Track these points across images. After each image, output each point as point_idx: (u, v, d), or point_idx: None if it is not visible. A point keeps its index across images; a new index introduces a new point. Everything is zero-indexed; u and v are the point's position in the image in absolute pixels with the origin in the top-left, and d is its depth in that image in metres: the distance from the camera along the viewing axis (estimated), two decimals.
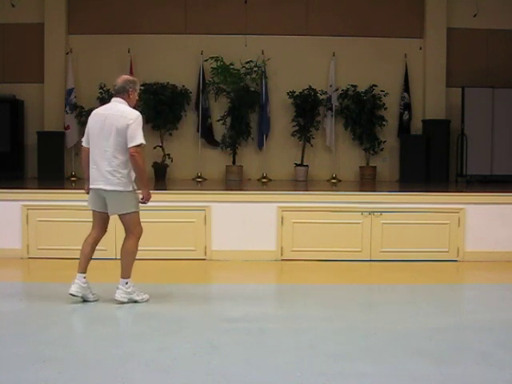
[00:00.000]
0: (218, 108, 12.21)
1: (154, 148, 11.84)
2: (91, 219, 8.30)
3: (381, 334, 4.92)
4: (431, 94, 12.14)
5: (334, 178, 12.02)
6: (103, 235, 5.83)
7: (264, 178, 11.93)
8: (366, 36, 12.15)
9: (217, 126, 12.19)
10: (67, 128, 11.70)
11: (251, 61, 11.83)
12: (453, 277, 7.79)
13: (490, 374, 4.00)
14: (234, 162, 12.06)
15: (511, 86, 11.50)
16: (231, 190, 9.69)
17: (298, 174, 11.94)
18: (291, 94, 11.92)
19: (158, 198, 8.34)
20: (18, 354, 4.27)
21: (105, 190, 5.56)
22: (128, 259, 5.64)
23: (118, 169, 5.50)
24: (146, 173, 5.59)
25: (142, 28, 12.07)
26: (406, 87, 12.19)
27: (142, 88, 11.69)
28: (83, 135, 5.79)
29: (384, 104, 11.99)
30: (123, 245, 5.68)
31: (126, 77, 5.77)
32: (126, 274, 5.64)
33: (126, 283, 5.64)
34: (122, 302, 5.61)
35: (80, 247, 5.60)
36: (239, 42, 11.86)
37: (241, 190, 9.76)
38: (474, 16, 11.51)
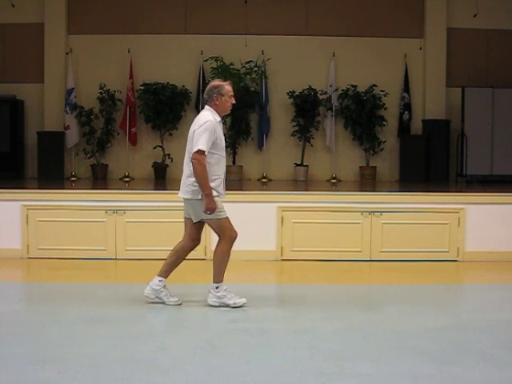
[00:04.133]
0: None
1: (154, 148, 11.86)
2: (91, 219, 8.35)
3: (381, 334, 4.92)
4: (431, 94, 12.13)
5: (333, 178, 12.01)
6: (193, 245, 5.80)
7: (264, 178, 11.92)
8: (365, 36, 12.15)
9: None
10: (67, 128, 11.67)
11: (251, 61, 11.81)
12: (453, 277, 7.79)
13: (490, 374, 4.00)
14: (233, 162, 12.05)
15: (511, 86, 11.50)
16: (231, 189, 9.65)
17: (298, 173, 11.94)
18: (291, 94, 11.92)
19: (158, 198, 8.40)
20: (18, 354, 4.27)
21: (183, 199, 5.62)
22: (216, 263, 5.65)
23: (189, 177, 5.50)
24: (207, 181, 5.39)
25: (142, 28, 12.07)
26: (406, 87, 12.18)
27: (142, 88, 11.76)
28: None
29: (384, 104, 11.98)
30: (215, 249, 5.70)
31: (212, 83, 5.63)
32: (216, 278, 5.64)
33: (216, 287, 5.63)
34: (213, 306, 5.62)
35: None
36: (239, 42, 11.86)
37: (241, 190, 9.74)
38: (474, 16, 11.50)
